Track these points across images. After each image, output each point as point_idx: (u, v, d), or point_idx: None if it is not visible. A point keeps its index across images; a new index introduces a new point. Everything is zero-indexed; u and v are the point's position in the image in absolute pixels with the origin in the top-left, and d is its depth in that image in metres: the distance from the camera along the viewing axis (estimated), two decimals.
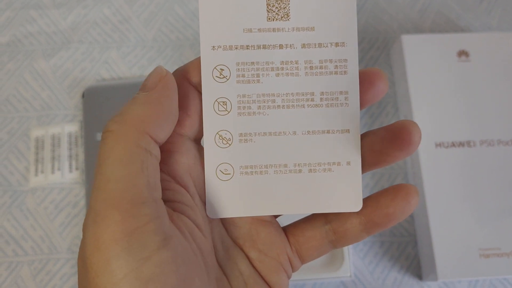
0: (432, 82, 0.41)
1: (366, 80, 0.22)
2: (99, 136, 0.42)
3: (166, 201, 0.20)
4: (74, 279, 0.40)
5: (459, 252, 0.37)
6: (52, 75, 0.46)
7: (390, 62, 0.46)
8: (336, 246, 0.23)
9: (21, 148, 0.44)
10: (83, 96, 0.44)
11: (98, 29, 0.47)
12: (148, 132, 0.19)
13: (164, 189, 0.20)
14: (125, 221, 0.18)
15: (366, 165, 0.22)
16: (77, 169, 0.42)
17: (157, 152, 0.20)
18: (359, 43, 0.47)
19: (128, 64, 0.46)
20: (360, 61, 0.46)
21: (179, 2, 0.48)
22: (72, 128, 0.44)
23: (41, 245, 0.41)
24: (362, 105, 0.22)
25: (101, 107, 0.43)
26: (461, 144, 0.40)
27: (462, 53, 0.42)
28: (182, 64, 0.45)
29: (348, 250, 0.38)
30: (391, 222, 0.21)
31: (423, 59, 0.41)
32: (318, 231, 0.23)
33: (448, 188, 0.38)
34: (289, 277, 0.24)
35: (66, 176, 0.42)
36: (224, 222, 0.23)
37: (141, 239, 0.18)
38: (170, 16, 0.47)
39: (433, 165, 0.39)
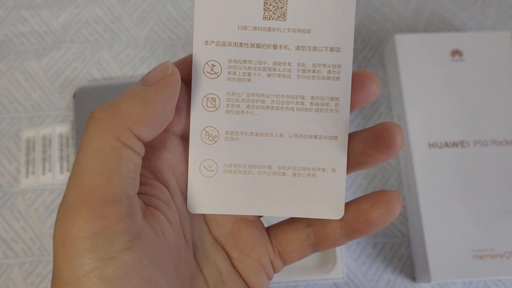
0: (426, 82, 0.41)
1: (357, 82, 0.21)
2: None
3: (140, 194, 0.20)
4: None
5: (453, 253, 0.37)
6: (43, 75, 0.45)
7: (383, 62, 0.46)
8: (317, 249, 0.23)
9: (11, 149, 0.43)
10: (74, 96, 0.43)
11: (90, 29, 0.46)
12: (132, 129, 0.19)
13: (141, 184, 0.20)
14: (93, 219, 0.17)
15: (348, 167, 0.22)
16: (68, 170, 0.42)
17: (140, 149, 0.19)
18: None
19: (119, 64, 0.45)
20: (353, 61, 0.46)
21: (171, 2, 0.47)
22: (63, 129, 0.43)
23: (32, 247, 0.41)
24: (352, 107, 0.22)
25: (93, 107, 0.43)
26: (454, 144, 0.39)
27: (456, 53, 0.41)
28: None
29: (341, 251, 0.38)
30: (371, 229, 0.21)
31: (416, 59, 0.41)
32: (299, 234, 0.23)
33: (441, 188, 0.38)
34: (270, 279, 0.24)
35: (57, 177, 0.42)
36: (207, 219, 0.23)
37: (107, 239, 0.17)
38: (162, 16, 0.47)
39: (426, 166, 0.39)
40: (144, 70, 0.45)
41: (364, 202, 0.21)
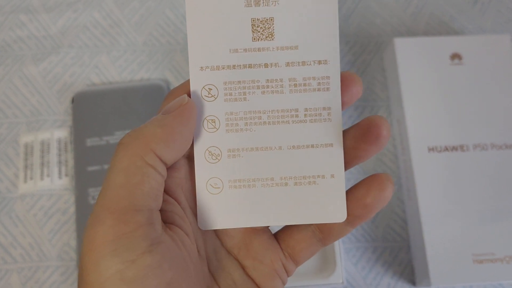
0: (425, 86, 0.41)
1: (341, 83, 0.23)
2: (88, 142, 0.42)
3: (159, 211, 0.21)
4: (64, 287, 0.40)
5: (453, 258, 0.37)
6: (41, 80, 0.45)
7: (383, 66, 0.46)
8: (325, 243, 0.24)
9: (10, 154, 0.43)
10: (72, 101, 0.43)
11: (88, 33, 0.46)
12: (154, 150, 0.20)
13: None
14: (116, 225, 0.19)
15: (345, 163, 0.23)
16: (66, 175, 0.42)
17: (162, 169, 0.21)
18: (352, 47, 0.46)
19: (118, 68, 0.45)
20: (352, 65, 0.46)
21: (170, 6, 0.47)
22: (62, 133, 0.43)
23: (31, 253, 0.41)
24: None
25: (91, 112, 0.43)
26: (454, 148, 0.39)
27: (455, 56, 0.41)
28: (172, 68, 0.45)
29: (340, 256, 0.38)
30: (370, 213, 0.22)
31: (415, 63, 0.41)
32: (305, 233, 0.24)
33: (441, 192, 0.38)
34: (284, 283, 0.24)
35: (56, 182, 0.42)
36: (218, 233, 0.24)
37: (128, 243, 0.19)
38: (161, 20, 0.47)
39: (426, 170, 0.39)
40: (142, 74, 0.45)
41: (359, 188, 0.22)
